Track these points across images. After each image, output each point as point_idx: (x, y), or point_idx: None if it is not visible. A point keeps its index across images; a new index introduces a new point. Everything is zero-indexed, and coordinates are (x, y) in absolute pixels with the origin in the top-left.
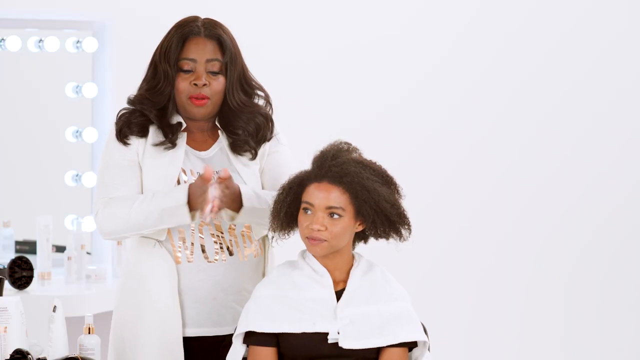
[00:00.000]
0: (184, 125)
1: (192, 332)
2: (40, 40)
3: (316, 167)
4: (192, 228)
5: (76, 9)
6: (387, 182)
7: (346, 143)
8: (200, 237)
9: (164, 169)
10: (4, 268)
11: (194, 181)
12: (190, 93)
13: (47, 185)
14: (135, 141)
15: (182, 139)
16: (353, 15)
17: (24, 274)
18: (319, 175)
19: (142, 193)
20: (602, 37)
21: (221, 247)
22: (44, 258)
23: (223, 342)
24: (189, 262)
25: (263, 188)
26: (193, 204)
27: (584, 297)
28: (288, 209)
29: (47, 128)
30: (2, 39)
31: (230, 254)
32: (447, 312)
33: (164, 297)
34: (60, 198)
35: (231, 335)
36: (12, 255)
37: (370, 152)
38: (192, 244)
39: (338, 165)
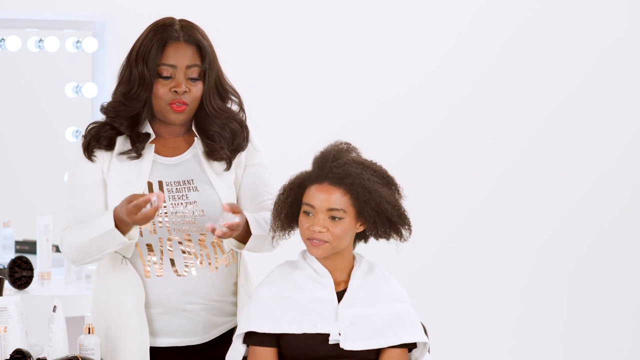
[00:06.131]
0: (153, 136)
1: (164, 343)
2: (40, 40)
3: (317, 169)
4: (161, 248)
5: (76, 9)
6: (388, 182)
7: (346, 143)
8: (170, 250)
9: (130, 185)
10: (4, 268)
11: (119, 204)
12: (169, 100)
13: (47, 185)
14: (100, 155)
15: (149, 150)
16: (352, 14)
17: (24, 274)
18: (320, 177)
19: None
20: (604, 38)
21: (191, 262)
22: (44, 258)
23: (195, 347)
24: (158, 276)
25: (238, 201)
26: (124, 225)
27: (585, 298)
28: (289, 209)
29: (47, 128)
30: (2, 39)
31: (201, 264)
32: (446, 313)
33: (129, 313)
34: (60, 198)
35: (203, 343)
36: (12, 255)
37: (370, 151)
38: (162, 258)
39: (339, 167)
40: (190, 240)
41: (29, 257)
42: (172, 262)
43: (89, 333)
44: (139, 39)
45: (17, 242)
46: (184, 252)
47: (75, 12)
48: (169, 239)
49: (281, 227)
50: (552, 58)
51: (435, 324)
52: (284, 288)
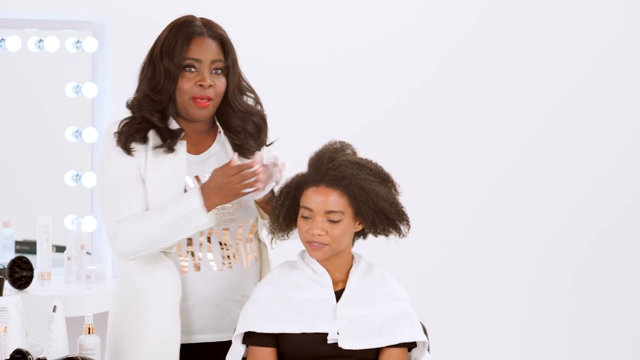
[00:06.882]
0: (183, 133)
1: (195, 339)
2: (40, 40)
3: (313, 171)
4: (201, 241)
5: (76, 9)
6: (385, 180)
7: (340, 142)
8: (209, 245)
9: (169, 180)
10: (4, 268)
11: (205, 181)
12: (194, 94)
13: (47, 185)
14: (138, 148)
15: (181, 146)
16: (354, 17)
17: (24, 274)
18: (317, 179)
19: (147, 207)
20: (604, 38)
21: (228, 256)
22: (44, 258)
23: (224, 344)
24: (195, 271)
25: None
26: (210, 202)
27: (587, 299)
28: (287, 212)
29: (47, 128)
30: (2, 39)
31: (235, 258)
32: (447, 313)
33: (165, 308)
34: (60, 198)
35: (230, 341)
36: (12, 255)
37: (373, 153)
38: (200, 252)
39: (335, 168)
40: (228, 235)
41: (29, 257)
42: (211, 257)
43: (89, 333)
44: (160, 37)
45: (17, 242)
46: (221, 247)
47: (75, 12)
48: (210, 234)
49: (279, 230)
50: (552, 58)
51: (435, 324)
52: (282, 288)
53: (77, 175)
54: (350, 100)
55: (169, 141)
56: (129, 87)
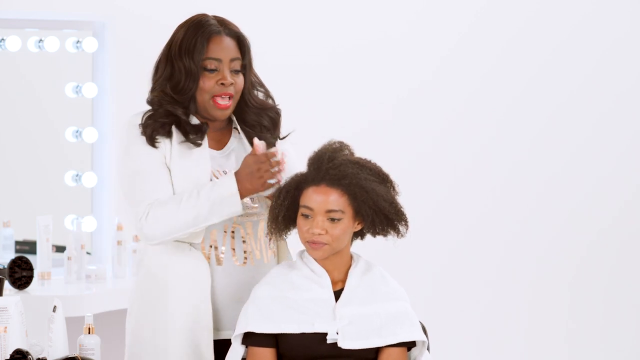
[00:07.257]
0: (207, 127)
1: (219, 335)
2: (40, 40)
3: (313, 170)
4: (225, 233)
5: (76, 9)
6: (384, 180)
7: (339, 142)
8: (232, 239)
9: (195, 172)
10: (4, 268)
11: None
12: (215, 92)
13: (47, 185)
14: (163, 141)
15: (204, 140)
16: (354, 17)
17: (24, 274)
18: (317, 179)
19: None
20: (604, 38)
21: (250, 251)
22: (44, 258)
23: None
24: (218, 265)
25: None
26: (243, 189)
27: (587, 299)
28: (286, 212)
29: (47, 128)
30: (2, 39)
31: (256, 254)
32: (446, 312)
33: (195, 300)
34: (60, 198)
35: None
36: (12, 255)
37: (373, 153)
38: (224, 246)
39: (335, 168)
40: (250, 230)
41: (29, 257)
42: (234, 251)
43: (89, 333)
44: (176, 37)
45: (17, 242)
46: (244, 241)
47: (75, 12)
48: (234, 228)
49: (278, 230)
50: (552, 58)
51: (434, 324)
52: (281, 288)
53: (77, 175)
54: (350, 100)
55: (193, 136)
56: (129, 87)
